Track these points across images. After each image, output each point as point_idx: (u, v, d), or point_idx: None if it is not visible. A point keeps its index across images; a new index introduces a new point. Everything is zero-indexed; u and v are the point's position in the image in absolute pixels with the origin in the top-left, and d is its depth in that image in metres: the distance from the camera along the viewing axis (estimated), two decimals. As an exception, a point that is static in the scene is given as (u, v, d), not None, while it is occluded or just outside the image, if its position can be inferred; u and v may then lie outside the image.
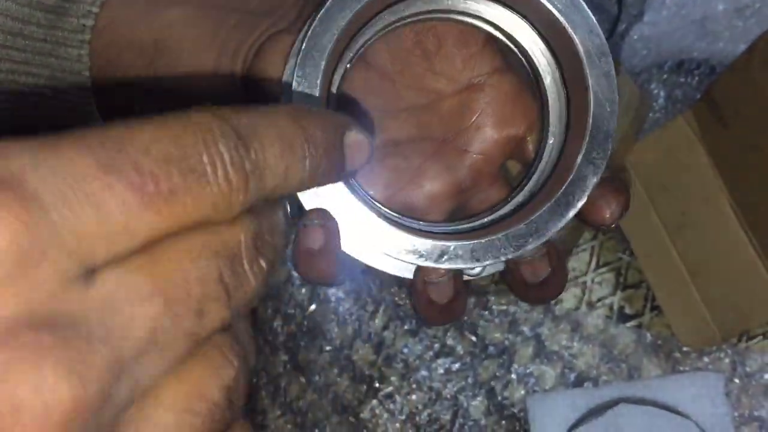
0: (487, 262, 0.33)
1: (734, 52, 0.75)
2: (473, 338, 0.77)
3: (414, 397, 0.76)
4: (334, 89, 0.36)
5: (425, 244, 0.33)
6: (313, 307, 0.79)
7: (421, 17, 0.37)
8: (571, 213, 0.33)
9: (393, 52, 0.38)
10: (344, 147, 0.27)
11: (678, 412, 0.70)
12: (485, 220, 0.38)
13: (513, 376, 0.76)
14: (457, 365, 0.77)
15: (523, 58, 0.37)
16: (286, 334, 0.79)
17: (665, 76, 0.80)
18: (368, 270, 0.35)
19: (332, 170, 0.27)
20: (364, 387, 0.77)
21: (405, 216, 0.38)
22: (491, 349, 0.77)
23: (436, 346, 0.77)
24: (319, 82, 0.33)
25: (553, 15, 0.33)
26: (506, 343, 0.77)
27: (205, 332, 0.22)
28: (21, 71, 0.40)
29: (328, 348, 0.78)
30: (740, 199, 0.69)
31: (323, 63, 0.33)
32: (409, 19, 0.37)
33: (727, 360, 0.74)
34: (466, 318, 0.77)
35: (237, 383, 0.24)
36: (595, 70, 0.33)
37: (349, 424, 0.76)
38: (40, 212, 0.19)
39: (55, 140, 0.21)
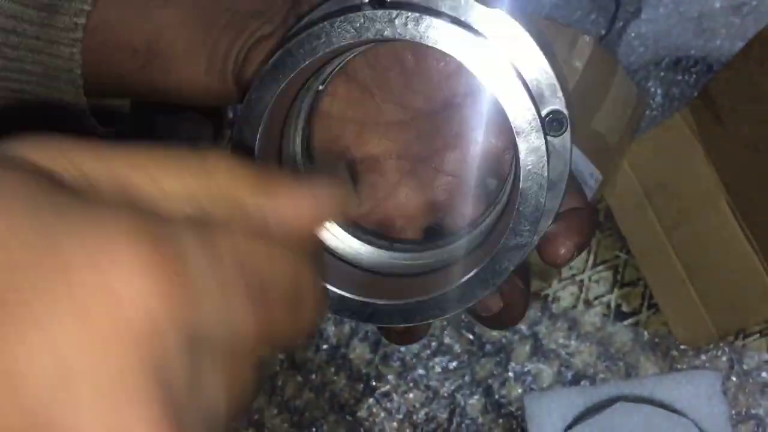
0: (415, 324, 0.34)
1: (731, 49, 0.75)
2: (470, 336, 0.77)
3: (411, 395, 0.76)
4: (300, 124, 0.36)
5: (355, 303, 0.34)
6: (309, 305, 0.79)
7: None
8: (499, 280, 0.33)
9: (372, 67, 0.37)
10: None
11: (675, 411, 0.70)
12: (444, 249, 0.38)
13: (510, 374, 0.76)
14: (454, 364, 0.77)
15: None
16: (282, 332, 0.79)
17: (662, 73, 0.80)
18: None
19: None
20: (361, 386, 0.77)
21: (377, 234, 0.38)
22: (488, 347, 0.77)
23: (433, 344, 0.77)
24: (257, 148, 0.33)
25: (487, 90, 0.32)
26: (503, 341, 0.77)
27: None
28: (13, 68, 0.40)
29: (324, 346, 0.78)
30: (737, 197, 0.69)
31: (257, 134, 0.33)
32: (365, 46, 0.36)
33: (724, 358, 0.74)
34: (462, 316, 0.77)
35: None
36: (525, 145, 0.32)
37: (346, 423, 0.76)
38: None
39: None
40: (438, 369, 0.77)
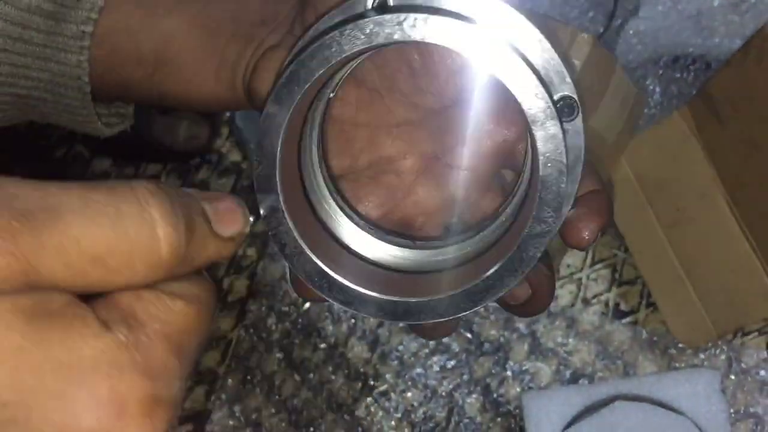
0: (448, 318, 0.35)
1: (730, 47, 0.75)
2: (468, 335, 0.77)
3: (409, 394, 0.76)
4: (318, 118, 0.37)
5: (387, 303, 0.35)
6: (307, 305, 0.79)
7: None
8: (527, 269, 0.34)
9: (380, 70, 0.38)
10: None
11: (674, 409, 0.70)
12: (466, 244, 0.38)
13: (508, 373, 0.76)
14: (452, 363, 0.77)
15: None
16: (280, 331, 0.79)
17: (661, 71, 0.79)
18: None
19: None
20: (359, 385, 0.77)
21: (399, 233, 0.39)
22: (486, 346, 0.77)
23: (432, 343, 0.77)
24: (277, 161, 0.33)
25: (500, 81, 0.33)
26: (501, 340, 0.77)
27: None
28: (21, 75, 0.41)
29: (322, 346, 0.78)
30: (736, 195, 0.69)
31: (280, 143, 0.33)
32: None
33: (722, 356, 0.74)
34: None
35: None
36: (542, 133, 0.33)
37: (344, 422, 0.76)
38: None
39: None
40: (436, 368, 0.77)
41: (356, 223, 0.38)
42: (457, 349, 0.77)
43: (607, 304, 0.77)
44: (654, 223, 0.74)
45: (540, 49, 0.33)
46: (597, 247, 0.79)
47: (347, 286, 0.34)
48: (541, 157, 0.33)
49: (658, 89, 0.79)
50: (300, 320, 0.79)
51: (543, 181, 0.33)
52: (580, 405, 0.72)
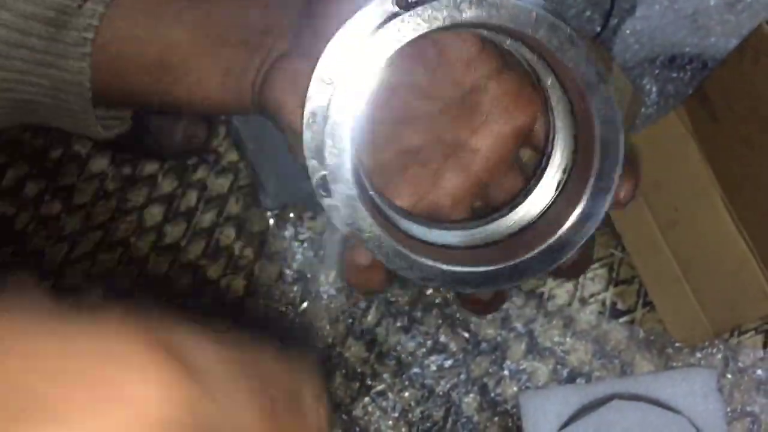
0: (527, 279, 0.37)
1: (726, 47, 0.75)
2: (466, 335, 0.77)
3: (407, 394, 0.76)
4: None
5: (469, 273, 0.36)
6: (305, 304, 0.79)
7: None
8: (594, 225, 0.37)
9: (396, 68, 0.39)
10: None
11: (670, 408, 0.70)
12: (512, 217, 0.41)
13: (506, 372, 0.76)
14: (449, 362, 0.77)
15: (523, 60, 0.40)
16: (277, 331, 0.79)
17: (657, 71, 0.79)
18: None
19: None
20: (357, 384, 0.77)
21: (431, 222, 0.40)
22: (484, 345, 0.77)
23: (429, 342, 0.77)
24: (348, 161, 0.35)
25: (552, 53, 0.35)
26: (499, 339, 0.77)
27: None
28: (21, 80, 0.41)
29: (319, 345, 0.78)
30: (732, 195, 0.69)
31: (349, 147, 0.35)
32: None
33: (719, 355, 0.74)
34: (458, 314, 0.77)
35: None
36: (597, 97, 0.35)
37: (341, 422, 0.76)
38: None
39: None
40: (433, 367, 0.77)
41: (398, 213, 0.39)
42: (454, 349, 0.77)
43: (604, 304, 0.77)
44: (651, 223, 0.74)
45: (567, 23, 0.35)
46: (594, 247, 0.79)
47: (428, 264, 0.36)
48: (598, 119, 0.35)
49: (654, 89, 0.79)
50: (297, 320, 0.79)
51: (603, 141, 0.35)
52: (577, 404, 0.72)
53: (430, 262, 0.36)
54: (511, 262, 0.36)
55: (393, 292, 0.78)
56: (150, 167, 0.85)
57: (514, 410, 0.75)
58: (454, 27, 0.35)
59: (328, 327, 0.78)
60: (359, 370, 0.77)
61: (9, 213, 0.84)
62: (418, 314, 0.77)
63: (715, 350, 0.74)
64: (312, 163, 0.36)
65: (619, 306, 0.77)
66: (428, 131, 0.40)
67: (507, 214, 0.40)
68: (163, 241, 0.83)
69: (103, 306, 0.25)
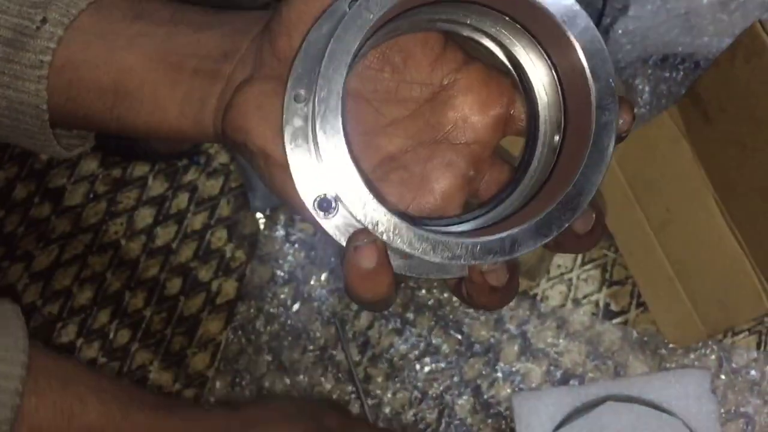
0: (555, 233, 0.35)
1: (719, 46, 0.75)
2: (459, 336, 0.77)
3: (399, 396, 0.76)
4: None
5: (494, 240, 0.35)
6: (296, 306, 0.79)
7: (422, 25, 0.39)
8: (607, 158, 0.36)
9: (362, 75, 0.39)
10: None
11: (664, 410, 0.70)
12: (506, 205, 0.40)
13: (499, 374, 0.76)
14: (442, 364, 0.76)
15: (485, 50, 0.40)
16: (269, 333, 0.78)
17: (650, 70, 0.79)
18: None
19: None
20: (350, 387, 0.76)
21: (430, 222, 0.39)
22: (477, 347, 0.76)
23: (422, 345, 0.77)
24: (344, 144, 0.34)
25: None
26: (492, 341, 0.76)
27: None
28: None
29: (311, 348, 0.78)
30: (725, 195, 0.69)
31: (340, 125, 0.34)
32: (393, 33, 0.38)
33: (713, 356, 0.74)
34: (451, 316, 0.77)
35: None
36: (576, 29, 0.35)
37: (333, 425, 0.76)
38: None
39: None
40: (426, 369, 0.76)
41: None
42: (447, 351, 0.76)
43: (597, 305, 0.77)
44: (644, 224, 0.74)
45: None
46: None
47: (453, 241, 0.35)
48: (583, 53, 0.35)
49: (647, 89, 0.78)
50: (289, 322, 0.78)
51: (593, 71, 0.35)
52: (570, 406, 0.72)
53: (453, 239, 0.35)
54: (535, 219, 0.35)
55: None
56: (140, 169, 0.84)
57: (508, 412, 0.74)
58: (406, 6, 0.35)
59: (320, 329, 0.78)
60: (352, 372, 0.77)
61: (-2, 216, 0.84)
62: (411, 316, 0.77)
63: (708, 351, 0.74)
64: (303, 187, 0.35)
65: (613, 307, 0.77)
66: (403, 136, 0.40)
67: (509, 195, 0.40)
68: (153, 243, 0.82)
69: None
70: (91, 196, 0.84)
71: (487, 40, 0.40)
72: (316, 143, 0.34)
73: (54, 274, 0.82)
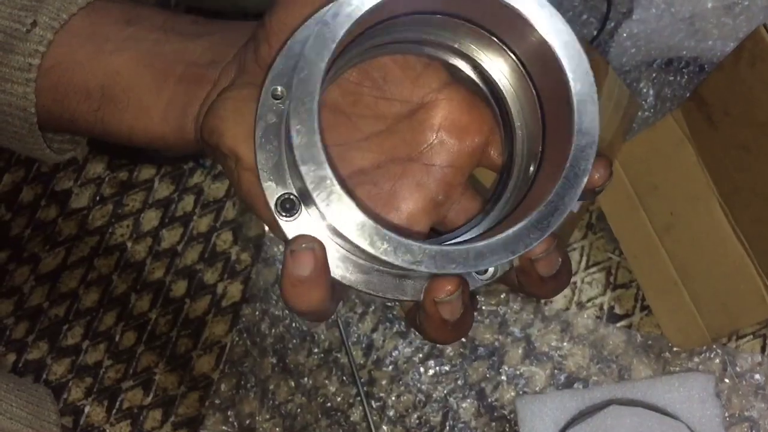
0: (522, 251, 0.34)
1: (723, 50, 0.75)
2: (463, 339, 0.77)
3: (404, 399, 0.76)
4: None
5: (457, 249, 0.34)
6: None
7: (389, 47, 0.38)
8: (583, 181, 0.35)
9: (342, 87, 0.38)
10: None
11: (668, 413, 0.70)
12: (474, 230, 0.39)
13: (503, 377, 0.76)
14: (446, 367, 0.76)
15: (468, 78, 0.39)
16: (274, 336, 0.78)
17: (654, 74, 0.79)
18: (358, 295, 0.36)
19: None
20: (354, 390, 0.77)
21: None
22: (481, 350, 0.77)
23: (426, 348, 0.77)
24: (316, 126, 0.33)
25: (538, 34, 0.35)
26: (496, 344, 0.76)
27: None
28: None
29: (316, 350, 0.78)
30: (729, 198, 0.69)
31: (315, 107, 0.33)
32: (375, 50, 0.38)
33: (717, 360, 0.74)
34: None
35: None
36: (558, 41, 0.35)
37: (338, 428, 0.76)
38: None
39: None
40: (431, 372, 0.76)
41: None
42: (451, 354, 0.77)
43: (601, 308, 0.77)
44: (648, 227, 0.73)
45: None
46: (591, 251, 0.78)
47: (415, 244, 0.34)
48: (570, 74, 0.35)
49: (651, 92, 0.78)
50: (294, 325, 0.78)
51: (578, 96, 0.35)
52: (574, 409, 0.72)
53: (417, 243, 0.33)
54: (502, 234, 0.34)
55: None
56: (146, 172, 0.85)
57: (512, 415, 0.74)
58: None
59: (325, 332, 0.78)
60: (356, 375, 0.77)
61: (5, 218, 0.84)
62: (415, 319, 0.77)
63: (712, 355, 0.74)
64: (269, 185, 0.34)
65: (617, 310, 0.77)
66: (377, 151, 0.39)
67: (476, 225, 0.39)
68: (159, 246, 0.82)
69: None
70: (98, 198, 0.84)
71: (469, 68, 0.39)
72: (288, 140, 0.33)
73: (60, 276, 0.82)
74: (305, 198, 0.34)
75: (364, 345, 0.77)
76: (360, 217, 0.33)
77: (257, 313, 0.79)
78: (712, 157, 0.69)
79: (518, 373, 0.76)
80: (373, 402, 0.76)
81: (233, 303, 0.80)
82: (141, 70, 0.39)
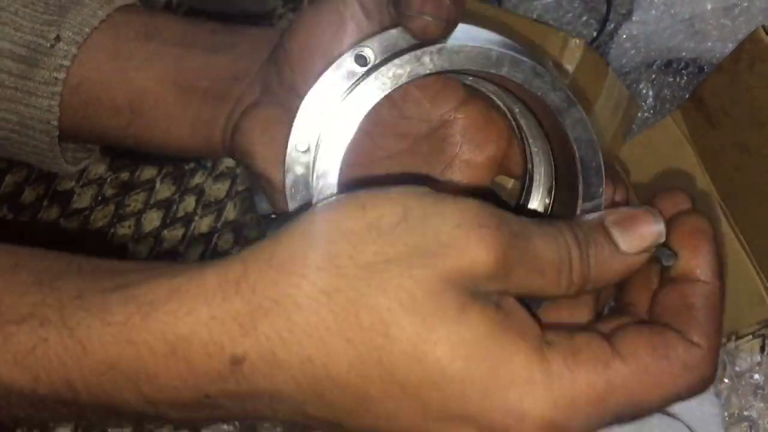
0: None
1: (723, 51, 0.75)
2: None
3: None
4: None
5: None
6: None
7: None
8: None
9: None
10: None
11: (667, 413, 0.70)
12: None
13: (503, 377, 0.76)
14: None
15: (486, 92, 0.40)
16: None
17: (654, 75, 0.79)
18: None
19: None
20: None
21: None
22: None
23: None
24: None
25: (519, 84, 0.36)
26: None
27: None
28: None
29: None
30: (729, 200, 0.69)
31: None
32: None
33: (716, 360, 0.74)
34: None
35: None
36: (570, 120, 0.36)
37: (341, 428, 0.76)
38: None
39: None
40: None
41: None
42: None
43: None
44: (648, 228, 0.74)
45: (529, 53, 0.36)
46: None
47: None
48: (574, 141, 0.36)
49: (651, 93, 0.79)
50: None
51: (582, 161, 0.37)
52: (574, 409, 0.72)
53: None
54: None
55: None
56: (148, 172, 0.85)
57: (512, 415, 0.74)
58: (418, 79, 0.35)
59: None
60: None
61: (7, 218, 0.84)
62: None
63: (712, 355, 0.74)
64: None
65: (617, 310, 0.77)
66: (401, 169, 0.40)
67: None
68: (161, 246, 0.83)
69: None
70: (100, 199, 0.85)
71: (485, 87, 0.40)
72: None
73: (62, 276, 0.82)
74: None
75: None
76: None
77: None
78: (712, 158, 0.69)
79: (518, 373, 0.76)
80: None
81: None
82: (166, 87, 0.40)
